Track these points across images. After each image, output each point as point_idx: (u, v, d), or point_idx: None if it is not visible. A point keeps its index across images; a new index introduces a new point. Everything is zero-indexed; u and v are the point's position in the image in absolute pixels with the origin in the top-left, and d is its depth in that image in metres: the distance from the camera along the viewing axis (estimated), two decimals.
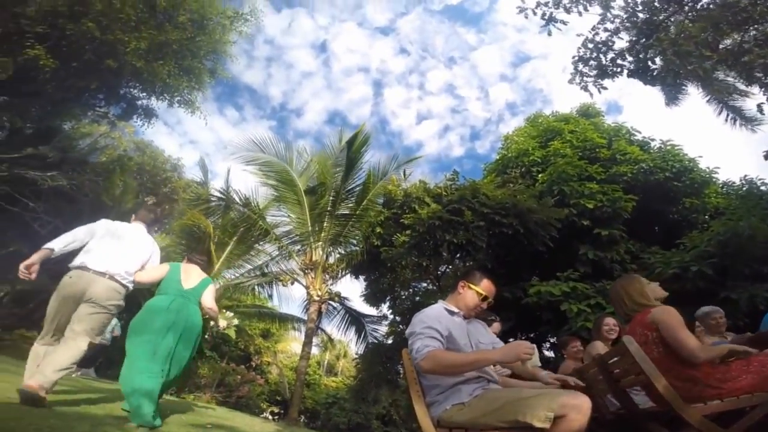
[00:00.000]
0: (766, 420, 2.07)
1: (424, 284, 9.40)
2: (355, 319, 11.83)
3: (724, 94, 6.95)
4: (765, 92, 5.21)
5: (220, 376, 12.30)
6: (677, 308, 2.31)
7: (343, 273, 10.77)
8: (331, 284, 10.95)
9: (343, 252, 10.60)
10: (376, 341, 11.09)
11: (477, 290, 2.10)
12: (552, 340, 6.82)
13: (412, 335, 1.95)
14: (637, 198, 6.96)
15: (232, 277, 11.70)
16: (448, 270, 7.89)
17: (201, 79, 8.47)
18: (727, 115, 7.32)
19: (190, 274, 3.10)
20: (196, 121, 77.08)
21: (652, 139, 8.99)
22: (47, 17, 6.25)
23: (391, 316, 10.59)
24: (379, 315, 11.51)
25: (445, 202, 6.54)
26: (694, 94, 7.68)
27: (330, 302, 11.31)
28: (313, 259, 10.32)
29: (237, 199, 10.61)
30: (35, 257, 2.62)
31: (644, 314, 2.35)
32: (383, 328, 11.41)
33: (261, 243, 11.26)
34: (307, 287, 10.43)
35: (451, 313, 2.08)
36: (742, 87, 6.59)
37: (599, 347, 3.25)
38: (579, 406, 1.70)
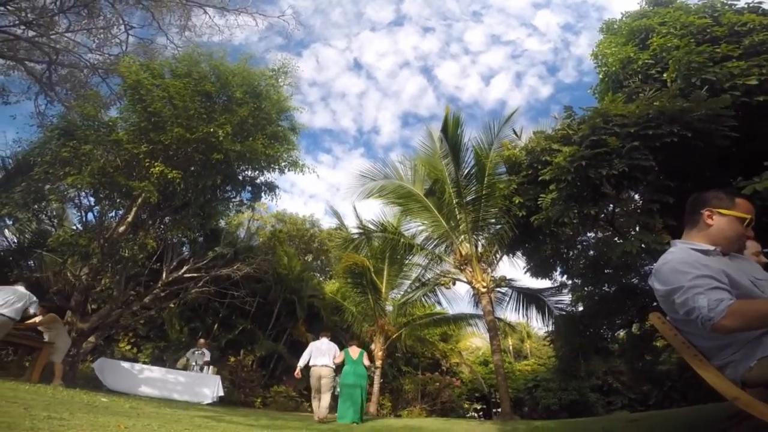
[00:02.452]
0: None
1: (591, 235, 8.28)
2: (532, 297, 11.18)
3: None
4: None
5: (421, 387, 12.93)
6: None
7: (499, 257, 10.45)
8: (492, 272, 10.67)
9: (488, 235, 10.31)
10: (564, 312, 10.22)
11: (734, 214, 1.63)
12: None
13: (680, 291, 1.53)
14: None
15: (397, 296, 12.30)
16: (616, 210, 6.80)
17: (289, 139, 9.17)
18: None
19: (354, 351, 7.35)
20: (305, 178, 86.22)
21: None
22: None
23: (570, 282, 9.59)
24: (555, 285, 10.56)
25: (578, 140, 5.68)
26: None
27: (498, 290, 11.14)
28: (463, 253, 10.22)
29: (373, 228, 11.54)
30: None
31: None
32: (566, 297, 10.45)
33: (409, 257, 11.82)
34: (469, 282, 10.34)
35: (706, 252, 1.62)
36: None
37: None
38: None
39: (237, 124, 7.81)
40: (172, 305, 10.07)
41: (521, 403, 16.21)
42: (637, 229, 5.79)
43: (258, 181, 9.65)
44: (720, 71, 5.53)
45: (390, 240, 11.20)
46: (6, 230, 10.45)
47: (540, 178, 6.56)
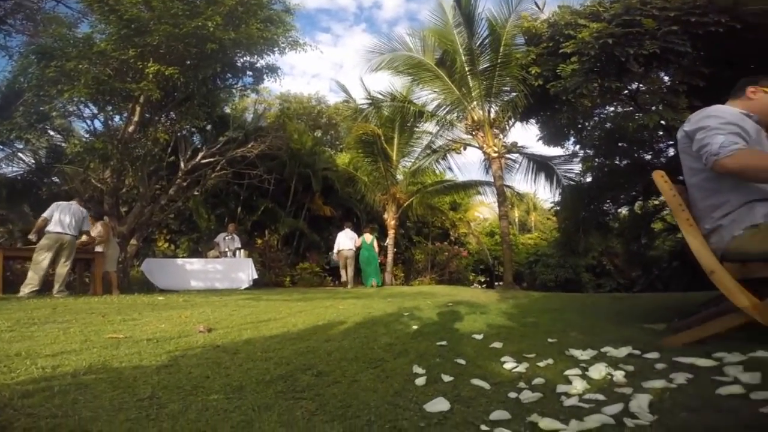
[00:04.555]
0: None
1: (612, 108, 8.00)
2: (542, 165, 11.30)
3: None
4: None
5: (431, 257, 14.03)
6: None
7: (512, 122, 10.47)
8: (504, 137, 10.87)
9: (501, 103, 10.19)
10: (572, 182, 10.45)
11: None
12: None
13: (704, 130, 1.69)
14: None
15: (408, 164, 12.63)
16: (641, 87, 6.46)
17: (284, 21, 8.62)
18: None
19: (368, 238, 9.94)
20: (306, 59, 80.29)
21: None
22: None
23: (582, 152, 9.58)
24: (567, 154, 10.60)
25: (609, 18, 5.30)
26: None
27: (509, 156, 11.39)
28: (475, 119, 10.33)
29: (382, 98, 11.53)
30: None
31: None
32: (576, 167, 10.55)
33: (419, 125, 11.98)
34: (480, 147, 10.62)
35: (747, 115, 1.78)
36: None
37: None
38: None
39: (226, 15, 7.24)
40: (196, 193, 10.46)
41: (521, 277, 16.88)
42: (660, 107, 5.62)
43: (258, 65, 9.34)
44: None
45: (399, 108, 11.28)
46: (20, 154, 10.51)
47: (561, 51, 6.18)
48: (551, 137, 9.55)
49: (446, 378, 1.44)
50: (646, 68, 5.59)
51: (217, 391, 1.37)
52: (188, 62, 7.74)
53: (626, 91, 6.74)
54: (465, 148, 11.71)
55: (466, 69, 9.85)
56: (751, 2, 4.50)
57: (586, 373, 1.41)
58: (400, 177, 12.54)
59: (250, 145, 9.87)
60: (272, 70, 9.42)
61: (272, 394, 1.36)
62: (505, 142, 10.84)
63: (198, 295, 5.74)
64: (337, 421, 1.11)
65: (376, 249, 10.07)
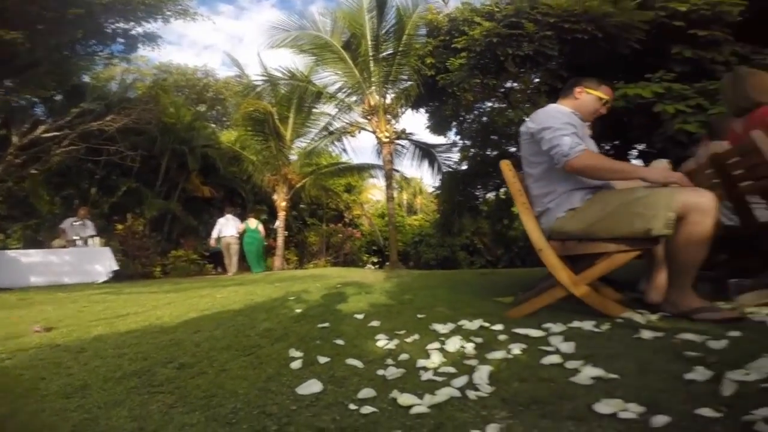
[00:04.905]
0: None
1: (489, 104, 8.91)
2: (426, 152, 12.13)
3: None
4: None
5: (326, 239, 13.99)
6: None
7: (404, 109, 10.98)
8: (395, 123, 11.33)
9: (397, 90, 10.66)
10: (450, 169, 11.36)
11: (598, 94, 2.05)
12: (640, 148, 6.26)
13: (550, 130, 1.88)
14: None
15: (303, 144, 12.35)
16: (514, 86, 7.31)
17: None
18: None
19: (252, 222, 9.40)
20: (198, 29, 69.81)
21: None
22: None
23: (461, 142, 10.50)
24: (449, 143, 11.62)
25: (500, 18, 5.81)
26: None
27: (399, 142, 11.90)
28: (372, 103, 10.59)
29: (280, 75, 11.10)
30: None
31: (765, 112, 2.03)
32: (455, 155, 11.55)
33: (317, 106, 11.82)
34: (374, 131, 10.96)
35: (574, 114, 2.02)
36: None
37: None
38: (702, 206, 1.52)
39: None
40: (34, 171, 8.65)
41: (408, 257, 17.67)
42: (527, 105, 6.42)
43: (133, 32, 8.23)
44: None
45: (298, 87, 11.04)
46: None
47: (453, 45, 6.67)
48: (436, 126, 10.28)
49: (322, 360, 1.43)
50: (521, 68, 6.24)
51: (54, 392, 1.24)
52: (40, 27, 6.44)
53: (502, 89, 7.55)
54: (360, 132, 11.92)
55: (370, 54, 10.09)
56: (617, 15, 5.25)
57: (443, 346, 1.49)
58: (294, 157, 12.21)
59: (109, 118, 8.53)
60: (150, 38, 8.41)
61: (123, 390, 1.23)
62: (396, 128, 11.33)
63: (39, 293, 4.82)
64: (198, 412, 1.05)
65: (262, 233, 9.73)
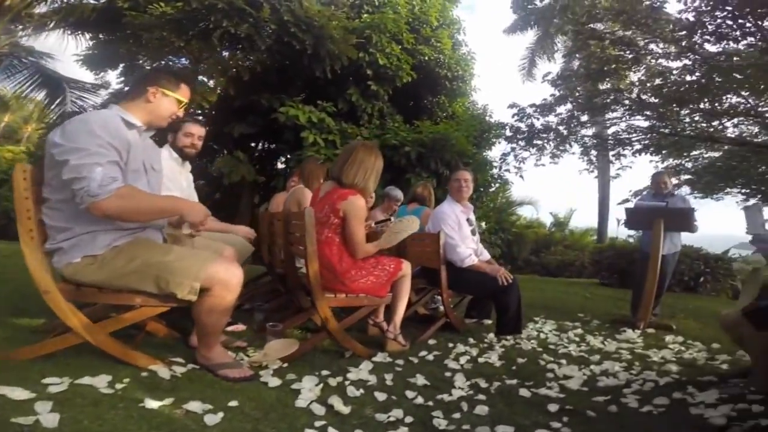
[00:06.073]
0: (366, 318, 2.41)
1: (185, 61, 7.58)
2: (52, 81, 9.05)
3: None
4: None
5: None
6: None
7: (53, 26, 8.22)
8: (28, 36, 8.54)
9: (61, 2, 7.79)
10: (82, 110, 8.99)
11: (176, 97, 1.71)
12: (287, 157, 7.19)
13: (80, 154, 1.40)
14: (417, 77, 7.30)
15: None
16: (210, 57, 6.79)
17: None
18: None
19: None
20: None
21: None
22: None
23: (120, 86, 8.43)
24: (97, 83, 9.23)
25: None
26: None
27: (15, 57, 8.63)
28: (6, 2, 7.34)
29: None
30: None
31: (342, 195, 2.15)
32: (99, 99, 9.25)
33: None
34: None
35: (130, 126, 1.60)
36: None
37: (307, 195, 2.93)
38: (227, 282, 1.56)
39: None
40: None
41: None
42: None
43: None
44: (384, 42, 6.89)
45: None
46: None
47: None
48: (95, 60, 8.22)
49: None
50: (223, 46, 6.43)
51: None
52: None
53: (201, 56, 6.95)
54: None
55: None
56: (337, 44, 6.09)
57: None
58: None
59: None
60: None
61: None
62: (18, 40, 8.55)
63: None
64: None
65: None
